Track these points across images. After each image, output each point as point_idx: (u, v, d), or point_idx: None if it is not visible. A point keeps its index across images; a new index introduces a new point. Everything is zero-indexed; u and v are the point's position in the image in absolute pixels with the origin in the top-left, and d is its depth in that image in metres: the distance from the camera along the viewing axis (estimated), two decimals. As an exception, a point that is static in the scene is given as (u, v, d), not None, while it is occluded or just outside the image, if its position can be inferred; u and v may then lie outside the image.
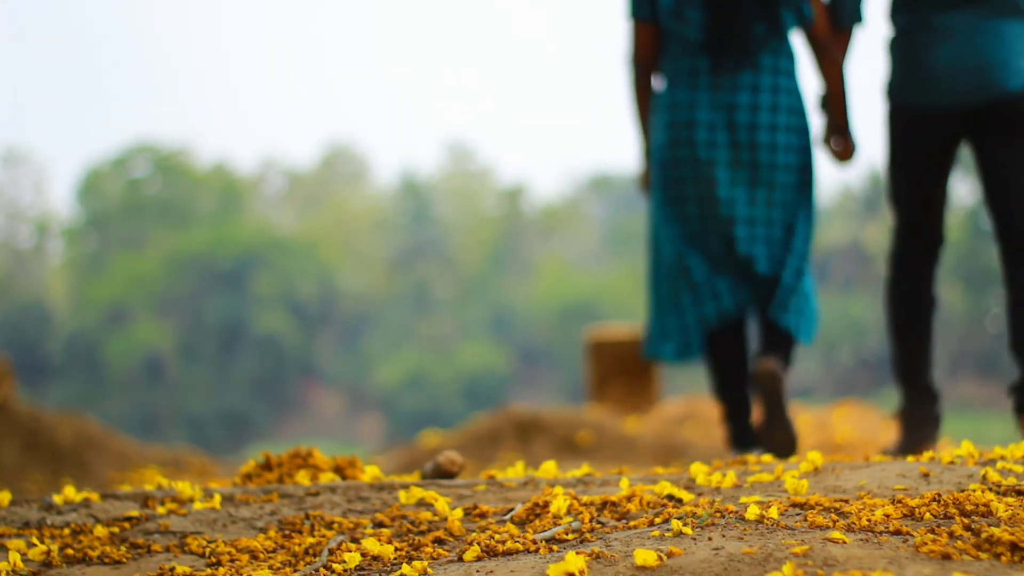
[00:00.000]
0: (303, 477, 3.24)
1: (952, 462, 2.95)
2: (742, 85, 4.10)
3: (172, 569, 2.44)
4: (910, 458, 3.10)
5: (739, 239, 4.15)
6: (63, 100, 76.19)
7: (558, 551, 2.33)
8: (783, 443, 4.13)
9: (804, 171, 4.23)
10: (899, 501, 2.46)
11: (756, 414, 4.38)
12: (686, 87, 4.13)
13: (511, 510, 2.80)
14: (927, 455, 3.07)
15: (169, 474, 7.80)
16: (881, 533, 2.28)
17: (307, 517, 2.83)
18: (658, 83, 4.27)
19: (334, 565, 2.39)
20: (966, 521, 2.31)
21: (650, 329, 4.36)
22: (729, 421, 4.34)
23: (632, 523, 2.51)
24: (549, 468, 3.31)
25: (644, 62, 4.24)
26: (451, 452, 3.36)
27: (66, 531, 2.78)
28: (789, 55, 4.18)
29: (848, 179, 50.28)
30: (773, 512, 2.40)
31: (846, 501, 2.53)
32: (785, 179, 4.18)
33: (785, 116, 4.14)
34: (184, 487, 3.06)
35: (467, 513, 2.83)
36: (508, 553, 2.34)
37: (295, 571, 2.41)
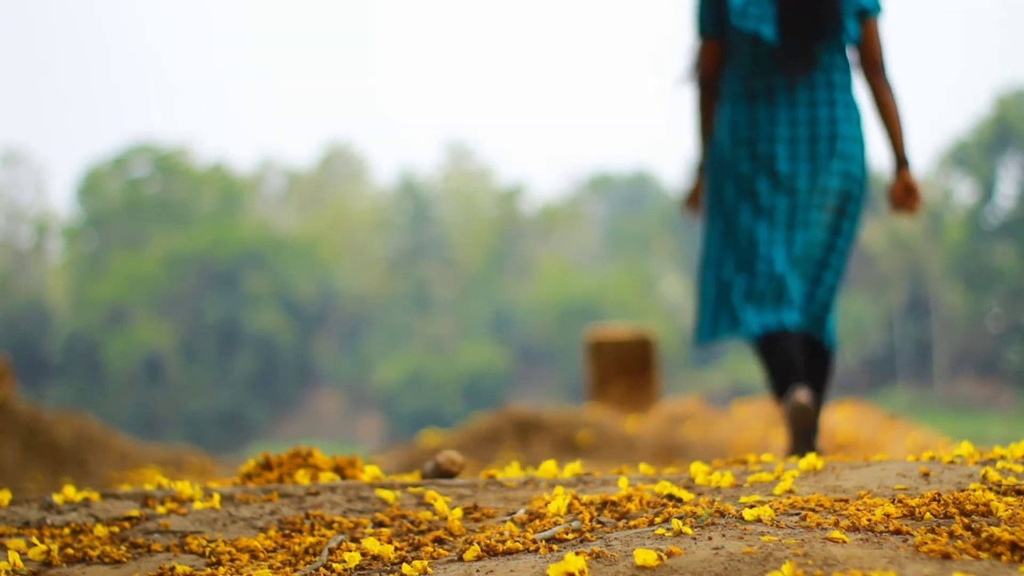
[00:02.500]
0: (303, 477, 3.24)
1: (952, 462, 2.95)
2: (803, 99, 4.23)
3: (172, 569, 2.44)
4: (910, 457, 3.10)
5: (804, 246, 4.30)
6: (63, 100, 76.21)
7: (558, 551, 2.33)
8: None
9: (861, 183, 4.33)
10: (899, 501, 2.46)
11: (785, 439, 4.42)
12: (751, 105, 4.26)
13: (512, 511, 2.80)
14: (927, 454, 3.07)
15: (169, 474, 7.80)
16: (881, 533, 2.28)
17: (307, 517, 2.83)
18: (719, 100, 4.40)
19: (334, 565, 2.39)
20: (966, 521, 2.31)
21: (708, 315, 4.41)
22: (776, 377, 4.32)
23: (632, 523, 2.51)
24: (549, 468, 3.31)
25: (710, 78, 4.36)
26: (451, 452, 3.36)
27: (66, 531, 2.78)
28: (846, 70, 4.28)
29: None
30: (773, 512, 2.40)
31: (846, 501, 2.53)
32: (844, 187, 4.29)
33: (843, 127, 4.25)
34: (184, 487, 3.06)
35: (467, 513, 2.83)
36: (508, 553, 2.34)
37: (295, 571, 2.41)
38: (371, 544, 2.44)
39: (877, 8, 4.24)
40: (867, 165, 4.32)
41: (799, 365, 4.24)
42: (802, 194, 4.26)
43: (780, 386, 4.24)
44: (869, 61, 4.27)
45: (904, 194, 4.34)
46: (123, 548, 2.64)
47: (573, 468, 3.30)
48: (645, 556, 2.12)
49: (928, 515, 2.39)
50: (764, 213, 4.28)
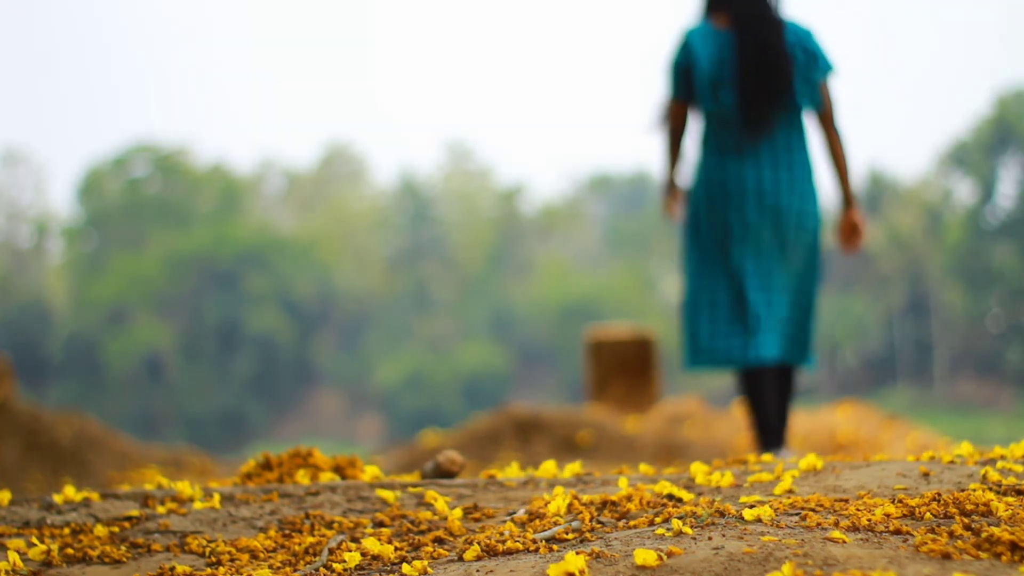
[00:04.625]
0: (303, 477, 3.24)
1: (952, 462, 2.95)
2: (765, 158, 4.77)
3: (172, 569, 2.44)
4: (910, 457, 3.10)
5: (756, 299, 4.85)
6: (63, 100, 76.20)
7: (558, 551, 2.33)
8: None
9: (817, 234, 4.89)
10: (899, 501, 2.46)
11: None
12: (722, 159, 4.81)
13: (512, 511, 2.80)
14: (927, 454, 3.07)
15: (169, 474, 7.80)
16: (881, 533, 2.28)
17: (307, 516, 2.83)
18: (690, 149, 4.99)
19: (334, 565, 2.39)
20: (966, 521, 2.31)
21: (693, 345, 4.97)
22: (758, 428, 4.97)
23: (632, 523, 2.51)
24: (549, 468, 3.31)
25: (676, 132, 4.94)
26: (451, 452, 3.36)
27: (66, 530, 2.78)
28: (801, 132, 4.83)
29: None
30: (773, 512, 2.40)
31: (846, 501, 2.53)
32: (804, 239, 4.85)
33: (800, 184, 4.81)
34: (184, 487, 3.06)
35: (467, 513, 2.83)
36: (508, 552, 2.34)
37: (295, 570, 2.41)
38: (371, 544, 2.44)
39: (828, 71, 4.78)
40: (819, 212, 4.85)
41: (773, 417, 4.90)
42: (769, 239, 4.79)
43: (760, 434, 4.93)
44: (822, 116, 4.82)
45: (850, 231, 4.93)
46: (123, 548, 2.64)
47: (573, 468, 3.31)
48: (645, 556, 2.12)
49: (928, 515, 2.39)
50: (738, 255, 4.81)
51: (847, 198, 4.89)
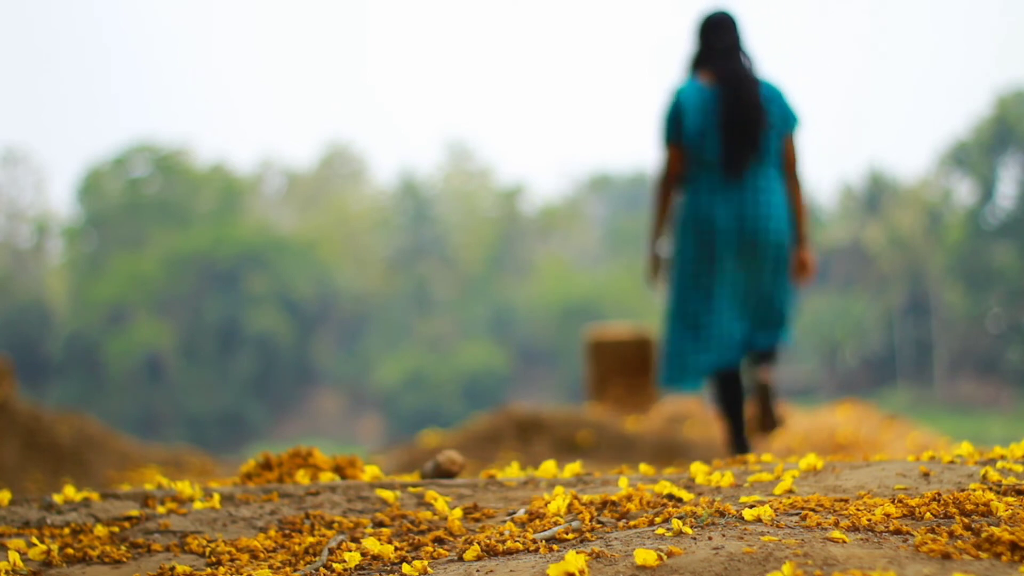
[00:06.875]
0: (303, 477, 3.24)
1: (952, 462, 2.95)
2: (744, 193, 5.41)
3: (172, 568, 2.44)
4: (910, 457, 3.10)
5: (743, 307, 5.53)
6: (63, 100, 76.22)
7: (558, 550, 2.33)
8: (773, 427, 5.55)
9: (788, 247, 5.54)
10: (899, 501, 2.46)
11: (751, 411, 5.57)
12: (707, 195, 5.43)
13: (512, 511, 2.80)
14: (927, 454, 3.07)
15: (169, 474, 7.81)
16: (881, 533, 2.28)
17: (307, 516, 2.83)
18: (678, 194, 5.59)
19: (334, 564, 2.39)
20: (966, 520, 2.31)
21: (670, 363, 5.60)
22: (730, 432, 5.56)
23: (632, 523, 2.51)
24: (549, 468, 3.31)
25: (673, 176, 5.51)
26: (451, 452, 3.36)
27: (66, 530, 2.78)
28: (774, 174, 5.47)
29: (849, 179, 50.32)
30: (773, 512, 2.40)
31: (846, 501, 2.53)
32: (780, 253, 5.51)
33: (775, 212, 5.45)
34: (184, 487, 3.06)
35: (467, 513, 2.83)
36: (508, 552, 2.34)
37: (295, 570, 2.41)
38: (371, 544, 2.44)
39: (795, 124, 5.45)
40: (789, 234, 5.48)
41: (740, 416, 5.55)
42: (747, 257, 5.44)
43: (731, 435, 5.55)
44: (787, 165, 5.50)
45: (801, 267, 5.57)
46: (123, 548, 2.64)
47: (573, 468, 3.31)
48: (645, 556, 2.12)
49: (928, 515, 2.38)
50: (719, 272, 5.43)
51: (801, 238, 5.52)
